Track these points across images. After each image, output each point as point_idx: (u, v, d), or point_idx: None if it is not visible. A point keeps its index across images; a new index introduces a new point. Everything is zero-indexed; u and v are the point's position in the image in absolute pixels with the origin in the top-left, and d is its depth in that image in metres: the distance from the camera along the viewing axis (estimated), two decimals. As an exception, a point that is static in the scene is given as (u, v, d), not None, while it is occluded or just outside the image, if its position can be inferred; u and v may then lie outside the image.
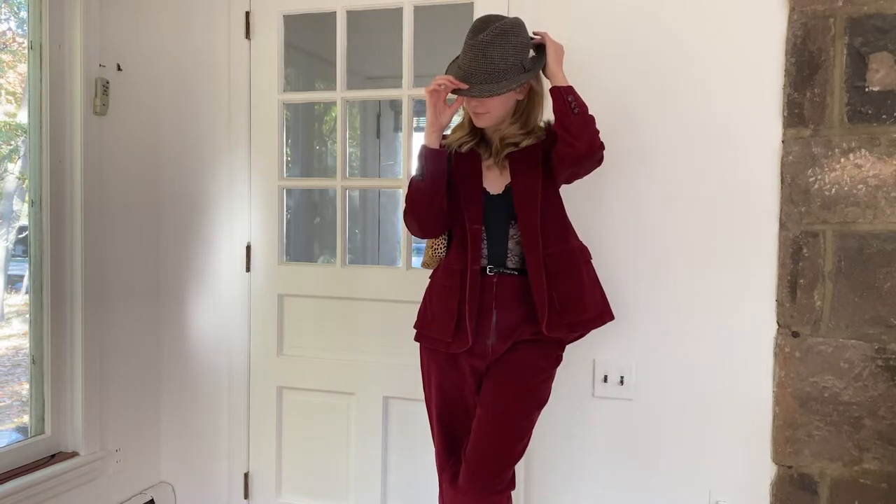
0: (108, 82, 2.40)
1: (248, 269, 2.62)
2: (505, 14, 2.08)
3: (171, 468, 2.73)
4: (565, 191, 1.90)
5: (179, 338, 2.69)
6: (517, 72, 1.71)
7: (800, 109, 2.04)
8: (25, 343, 2.38)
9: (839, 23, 1.99)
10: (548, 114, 1.85)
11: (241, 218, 2.61)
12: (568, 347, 1.92)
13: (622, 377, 2.22)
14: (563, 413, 2.26)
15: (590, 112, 1.75)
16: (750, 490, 2.13)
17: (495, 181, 1.85)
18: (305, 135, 4.10)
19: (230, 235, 2.62)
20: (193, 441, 2.70)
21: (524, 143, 1.82)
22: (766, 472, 2.11)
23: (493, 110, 1.77)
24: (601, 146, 1.76)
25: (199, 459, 2.70)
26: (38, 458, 2.28)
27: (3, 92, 2.61)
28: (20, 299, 2.99)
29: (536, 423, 1.87)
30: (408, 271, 2.44)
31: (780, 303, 2.08)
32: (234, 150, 2.60)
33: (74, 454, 2.36)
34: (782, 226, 2.07)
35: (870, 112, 1.98)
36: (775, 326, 2.09)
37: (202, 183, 2.64)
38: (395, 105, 4.78)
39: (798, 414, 2.07)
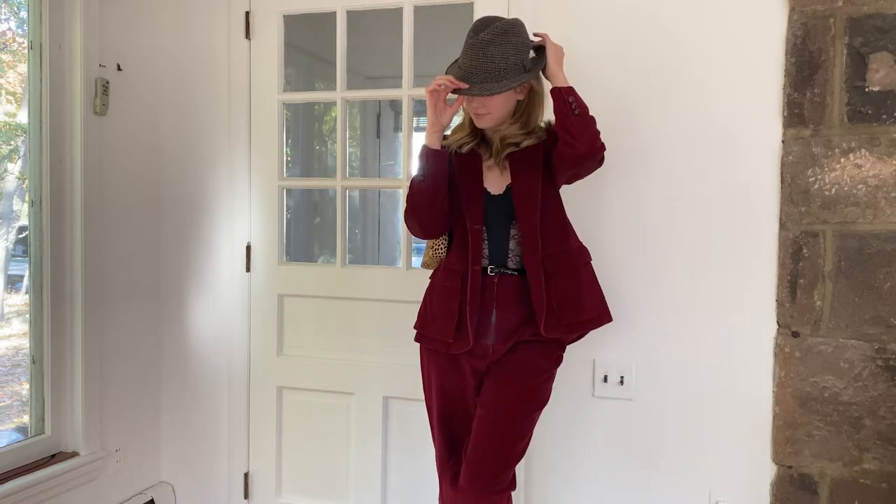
0: (108, 82, 2.40)
1: (248, 269, 2.62)
2: (505, 15, 2.09)
3: (171, 468, 2.74)
4: (565, 191, 1.90)
5: (179, 338, 2.69)
6: (518, 71, 1.71)
7: (800, 109, 2.04)
8: (25, 343, 2.38)
9: (839, 23, 1.99)
10: (548, 114, 1.85)
11: (241, 218, 2.61)
12: (568, 347, 1.92)
13: (622, 377, 2.22)
14: (563, 413, 2.26)
15: (590, 113, 1.75)
16: (750, 490, 2.13)
17: (496, 181, 1.85)
18: (305, 135, 4.10)
19: (230, 235, 2.62)
20: (193, 441, 2.70)
21: (525, 143, 1.82)
22: (766, 472, 2.11)
23: (494, 111, 1.77)
24: (602, 147, 1.76)
25: (199, 459, 2.70)
26: (38, 458, 2.28)
27: (3, 92, 2.61)
28: (20, 299, 2.99)
29: (537, 424, 1.87)
30: (408, 271, 2.44)
31: (780, 303, 2.08)
32: (234, 150, 2.60)
33: (74, 454, 2.36)
34: (782, 226, 2.07)
35: (870, 112, 1.98)
36: (775, 326, 2.09)
37: (202, 183, 2.64)
38: (395, 105, 4.78)
39: (798, 414, 2.07)
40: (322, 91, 3.97)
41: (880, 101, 1.97)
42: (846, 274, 2.02)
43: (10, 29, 2.55)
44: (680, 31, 2.14)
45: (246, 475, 2.65)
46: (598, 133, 1.75)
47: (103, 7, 2.38)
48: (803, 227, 2.05)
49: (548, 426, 2.22)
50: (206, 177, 2.64)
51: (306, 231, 4.14)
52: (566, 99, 1.72)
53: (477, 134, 1.87)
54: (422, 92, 1.95)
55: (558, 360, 1.88)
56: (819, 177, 2.03)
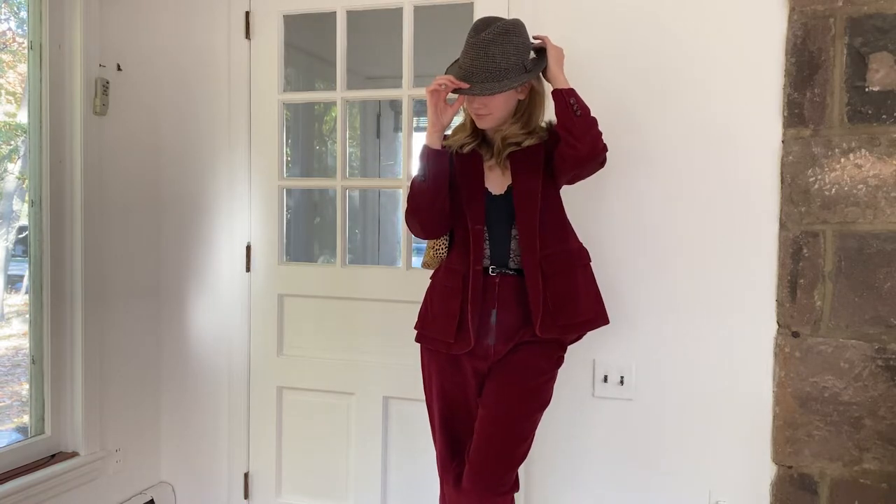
0: (108, 82, 2.40)
1: (248, 269, 2.62)
2: (505, 15, 2.09)
3: (171, 468, 2.73)
4: (565, 191, 1.90)
5: (179, 338, 2.69)
6: (518, 71, 1.71)
7: (800, 109, 2.04)
8: (25, 343, 2.38)
9: (839, 23, 1.99)
10: (549, 114, 1.85)
11: (241, 218, 2.61)
12: (568, 348, 1.92)
13: (622, 377, 2.22)
14: (564, 413, 2.26)
15: (592, 114, 1.75)
16: (750, 490, 2.13)
17: (497, 181, 1.85)
18: (305, 135, 4.10)
19: (230, 235, 2.62)
20: (193, 441, 2.70)
21: (526, 143, 1.82)
22: (766, 472, 2.11)
23: (496, 111, 1.77)
24: (604, 148, 1.76)
25: (199, 459, 2.70)
26: (38, 458, 2.28)
27: (3, 92, 2.60)
28: (20, 299, 2.98)
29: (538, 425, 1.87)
30: (408, 271, 2.44)
31: (780, 303, 2.08)
32: (234, 150, 2.60)
33: (74, 454, 2.36)
34: (782, 226, 2.07)
35: (870, 112, 1.98)
36: (775, 326, 2.09)
37: (202, 183, 2.64)
38: (395, 105, 4.78)
39: (798, 414, 2.07)
40: (322, 91, 3.97)
41: (880, 101, 1.97)
42: (846, 274, 2.02)
43: (10, 29, 2.54)
44: (680, 31, 2.14)
45: (246, 475, 2.65)
46: (600, 134, 1.75)
47: (103, 7, 2.38)
48: (803, 227, 2.05)
49: (548, 426, 2.22)
50: (206, 177, 2.64)
51: (306, 231, 4.14)
52: (568, 101, 1.72)
53: (478, 134, 1.87)
54: (422, 92, 1.95)
55: (559, 361, 1.88)
56: (819, 177, 2.03)
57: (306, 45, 3.57)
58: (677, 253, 2.17)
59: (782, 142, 2.06)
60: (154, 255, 2.67)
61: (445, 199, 1.83)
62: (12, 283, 3.00)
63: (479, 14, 2.22)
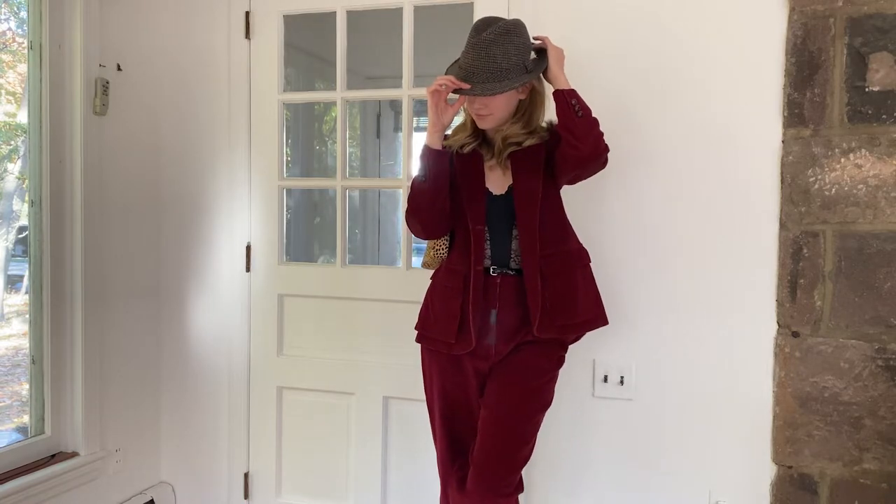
0: (108, 82, 2.40)
1: (248, 269, 2.62)
2: (505, 15, 2.09)
3: (171, 468, 2.73)
4: (565, 191, 1.90)
5: (179, 338, 2.69)
6: (519, 71, 1.71)
7: (800, 109, 2.04)
8: (25, 343, 2.38)
9: (839, 23, 1.99)
10: (549, 114, 1.85)
11: (241, 218, 2.61)
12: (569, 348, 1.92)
13: (622, 377, 2.22)
14: (564, 413, 2.26)
15: (593, 115, 1.75)
16: (750, 490, 2.13)
17: (498, 182, 1.85)
18: (305, 135, 4.10)
19: (230, 235, 2.62)
20: (193, 441, 2.70)
21: (527, 143, 1.81)
22: (766, 472, 2.11)
23: (496, 111, 1.77)
24: (606, 148, 1.76)
25: (199, 459, 2.70)
26: (38, 458, 2.28)
27: (3, 92, 2.60)
28: (20, 299, 2.98)
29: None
30: (408, 271, 2.44)
31: (780, 303, 2.08)
32: (234, 150, 2.60)
33: (74, 454, 2.36)
34: (782, 226, 2.07)
35: (870, 112, 1.98)
36: (775, 326, 2.09)
37: (202, 183, 2.64)
38: (395, 105, 4.78)
39: (798, 414, 2.07)
40: (322, 91, 3.97)
41: (880, 101, 1.97)
42: (846, 274, 2.02)
43: (10, 29, 2.54)
44: (680, 31, 2.14)
45: (246, 475, 2.65)
46: (601, 134, 1.75)
47: (103, 7, 2.38)
48: (803, 227, 2.05)
49: (548, 426, 2.20)
50: (206, 177, 2.64)
51: (306, 231, 4.14)
52: (569, 101, 1.72)
53: (478, 134, 1.87)
54: (422, 92, 1.95)
55: (560, 361, 1.88)
56: (819, 177, 2.03)
57: (306, 45, 3.57)
58: (677, 253, 2.17)
59: (782, 142, 2.06)
60: (154, 255, 2.67)
61: (446, 200, 1.83)
62: (12, 283, 3.00)
63: (479, 14, 2.22)
